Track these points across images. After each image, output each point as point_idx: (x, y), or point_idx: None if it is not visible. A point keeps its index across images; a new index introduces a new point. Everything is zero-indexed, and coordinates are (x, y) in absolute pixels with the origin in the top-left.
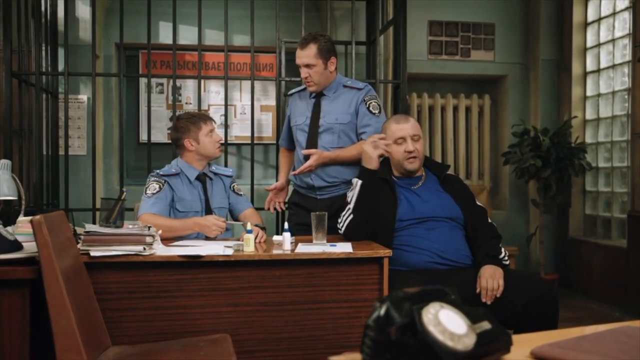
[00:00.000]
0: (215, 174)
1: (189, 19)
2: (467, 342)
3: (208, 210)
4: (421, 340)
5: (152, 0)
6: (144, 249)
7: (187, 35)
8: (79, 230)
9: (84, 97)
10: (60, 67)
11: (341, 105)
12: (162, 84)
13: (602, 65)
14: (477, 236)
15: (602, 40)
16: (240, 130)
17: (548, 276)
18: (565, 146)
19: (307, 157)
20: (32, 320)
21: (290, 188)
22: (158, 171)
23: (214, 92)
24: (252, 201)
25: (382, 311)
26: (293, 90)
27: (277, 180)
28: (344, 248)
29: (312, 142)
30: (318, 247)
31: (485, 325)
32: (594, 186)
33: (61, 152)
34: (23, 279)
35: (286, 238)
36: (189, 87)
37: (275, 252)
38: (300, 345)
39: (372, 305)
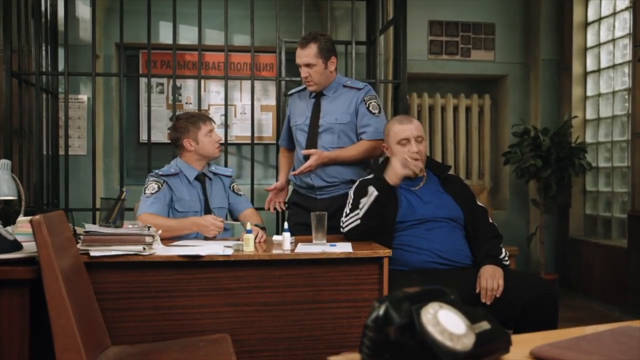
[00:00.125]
0: (214, 174)
1: (189, 18)
2: (466, 342)
3: (207, 211)
4: (420, 340)
5: (152, 0)
6: (144, 248)
7: (187, 35)
8: (79, 230)
9: (84, 97)
10: (61, 67)
11: (341, 105)
12: (162, 84)
13: (603, 65)
14: (478, 236)
15: (602, 40)
16: (240, 130)
17: (548, 276)
18: (566, 146)
19: (306, 157)
20: (31, 320)
21: (290, 188)
22: (157, 171)
23: (214, 92)
24: (252, 201)
25: (381, 311)
26: (293, 90)
27: (277, 180)
28: (344, 248)
29: (312, 142)
30: (318, 247)
31: (485, 325)
32: (594, 186)
33: (61, 152)
34: (23, 279)
35: (286, 238)
36: (189, 87)
37: (275, 252)
38: (300, 345)
39: (372, 305)
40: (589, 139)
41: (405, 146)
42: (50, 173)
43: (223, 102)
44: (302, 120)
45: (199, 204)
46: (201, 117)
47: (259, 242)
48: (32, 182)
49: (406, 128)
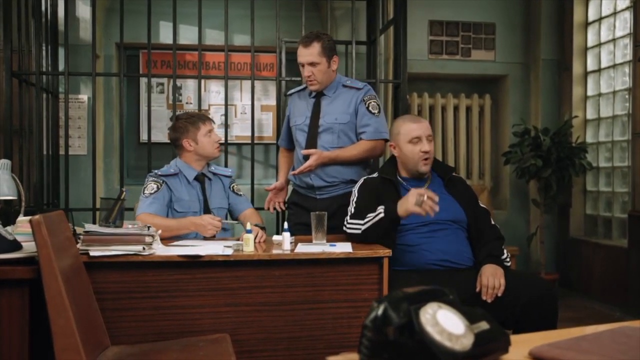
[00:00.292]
0: (214, 174)
1: (189, 18)
2: (465, 342)
3: (206, 211)
4: (419, 340)
5: (152, 0)
6: (144, 248)
7: (188, 35)
8: (79, 230)
9: (84, 96)
10: (61, 66)
11: (341, 105)
12: (162, 84)
13: (603, 65)
14: (480, 237)
15: (602, 39)
16: (240, 130)
17: (548, 276)
18: (566, 146)
19: (306, 157)
20: (31, 320)
21: (290, 188)
22: (156, 171)
23: (214, 92)
24: (252, 201)
25: (380, 311)
26: (292, 90)
27: (276, 180)
28: (344, 248)
29: (311, 142)
30: (318, 247)
31: (484, 325)
32: (594, 186)
33: (61, 152)
34: (22, 279)
35: (286, 238)
36: (189, 87)
37: (274, 252)
38: (299, 345)
39: (371, 305)
40: (589, 138)
41: (417, 145)
42: (50, 173)
43: (223, 102)
44: (301, 120)
45: (198, 204)
46: (201, 117)
47: (259, 242)
48: (32, 182)
49: (418, 127)
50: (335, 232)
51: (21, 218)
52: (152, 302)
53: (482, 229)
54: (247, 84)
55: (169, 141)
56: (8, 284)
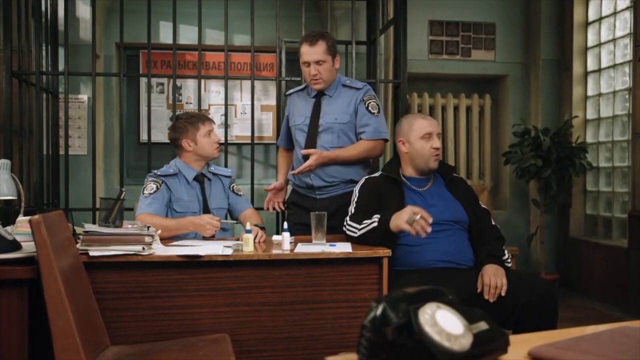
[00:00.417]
0: (214, 174)
1: (189, 18)
2: (463, 342)
3: (206, 211)
4: (417, 340)
5: (152, 0)
6: (143, 248)
7: (188, 35)
8: (78, 230)
9: (84, 96)
10: (61, 66)
11: (341, 104)
12: (162, 84)
13: (603, 65)
14: (481, 238)
15: (603, 39)
16: (240, 130)
17: (549, 276)
18: (566, 146)
19: (306, 157)
20: (30, 320)
21: (289, 188)
22: (156, 171)
23: (214, 92)
24: (252, 201)
25: (379, 311)
26: (291, 90)
27: (276, 181)
28: (344, 248)
29: (311, 142)
30: (317, 247)
31: (482, 325)
32: (594, 186)
33: (61, 151)
34: (22, 279)
35: (285, 238)
36: (189, 87)
37: (274, 252)
38: (299, 345)
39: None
40: (589, 138)
41: (429, 141)
42: (50, 173)
43: (223, 102)
44: (301, 120)
45: (197, 204)
46: (200, 117)
47: (259, 242)
48: (32, 182)
49: (429, 123)
50: (335, 232)
51: (21, 218)
52: (152, 302)
53: (482, 229)
54: (247, 84)
55: (169, 141)
56: (7, 284)
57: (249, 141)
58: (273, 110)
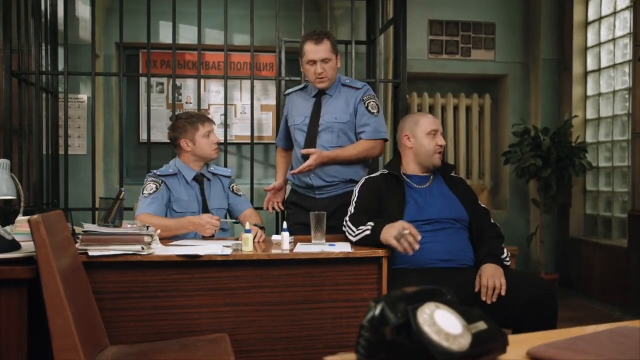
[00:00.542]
0: (214, 174)
1: (189, 18)
2: (462, 342)
3: (205, 211)
4: (416, 340)
5: (152, 0)
6: (143, 248)
7: (188, 34)
8: (78, 230)
9: (84, 96)
10: (61, 66)
11: (341, 104)
12: (162, 84)
13: (603, 65)
14: (481, 237)
15: (602, 39)
16: (240, 130)
17: (549, 276)
18: (566, 146)
19: (305, 157)
20: (30, 320)
21: (289, 188)
22: (155, 171)
23: (214, 92)
24: (252, 201)
25: (377, 311)
26: (291, 90)
27: (275, 181)
28: (343, 248)
29: (311, 142)
30: (317, 247)
31: (481, 325)
32: (594, 186)
33: (61, 151)
34: (21, 279)
35: (285, 238)
36: (189, 87)
37: (274, 252)
38: (299, 345)
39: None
40: (589, 138)
41: (434, 138)
42: (50, 173)
43: (223, 102)
44: (301, 120)
45: (197, 204)
46: (200, 118)
47: (258, 242)
48: (32, 182)
49: (435, 122)
50: (335, 232)
51: (20, 218)
52: (151, 302)
53: (482, 228)
54: (247, 83)
55: (168, 141)
56: (7, 284)
57: (249, 141)
58: (273, 110)
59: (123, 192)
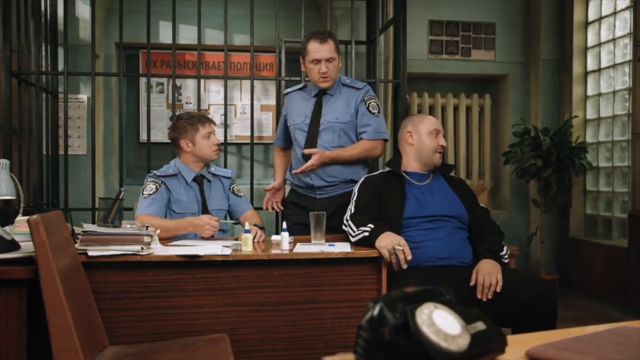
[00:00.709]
0: (214, 175)
1: (189, 18)
2: (461, 342)
3: (205, 212)
4: (414, 340)
5: (151, 0)
6: (142, 248)
7: (188, 34)
8: (77, 230)
9: (83, 96)
10: (60, 66)
11: (341, 104)
12: (162, 84)
13: (603, 65)
14: (481, 234)
15: (602, 39)
16: (240, 130)
17: (549, 276)
18: (566, 146)
19: (306, 157)
20: (29, 320)
21: (287, 187)
22: (155, 172)
23: (214, 92)
24: (251, 201)
25: (376, 311)
26: (290, 89)
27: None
28: (343, 248)
29: (311, 141)
30: (316, 246)
31: (480, 325)
32: (594, 186)
33: (61, 151)
34: (20, 279)
35: (284, 238)
36: (189, 87)
37: (273, 251)
38: (298, 345)
39: (367, 305)
40: (589, 138)
41: (436, 137)
42: (49, 173)
43: (223, 102)
44: (301, 119)
45: (196, 205)
46: (201, 118)
47: (258, 241)
48: (32, 181)
49: (438, 122)
50: (335, 232)
51: (20, 218)
52: (151, 302)
53: (482, 225)
54: (246, 83)
55: (168, 141)
56: (6, 284)
57: (249, 141)
58: (273, 110)
59: (122, 192)
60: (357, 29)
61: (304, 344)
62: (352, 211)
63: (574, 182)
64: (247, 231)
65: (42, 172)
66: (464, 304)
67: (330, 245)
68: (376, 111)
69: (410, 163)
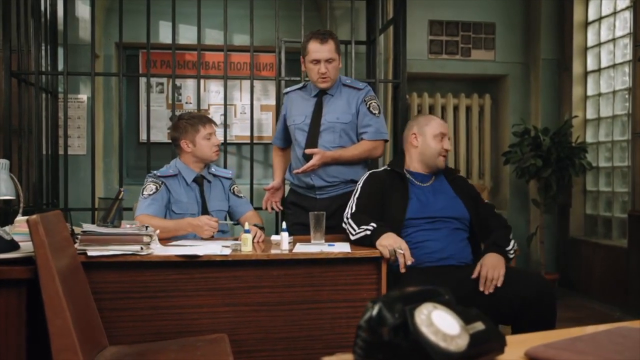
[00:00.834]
0: (214, 175)
1: (189, 18)
2: (460, 342)
3: (205, 213)
4: (413, 341)
5: (151, 0)
6: (141, 248)
7: (188, 34)
8: (77, 229)
9: (83, 96)
10: (60, 66)
11: (342, 104)
12: (162, 84)
13: (603, 65)
14: (487, 230)
15: (602, 39)
16: (240, 130)
17: (549, 276)
18: (566, 146)
19: (306, 157)
20: (28, 320)
21: (287, 187)
22: (155, 172)
23: (214, 92)
24: (251, 201)
25: (375, 311)
26: (290, 89)
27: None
28: (342, 248)
29: (312, 141)
30: (316, 246)
31: (479, 325)
32: (594, 186)
33: (61, 151)
34: (19, 279)
35: (284, 238)
36: (189, 87)
37: (273, 251)
38: (298, 345)
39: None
40: (589, 138)
41: (441, 141)
42: (49, 173)
43: (223, 102)
44: (301, 119)
45: (196, 206)
46: (202, 119)
47: (257, 241)
48: (32, 181)
49: (443, 125)
50: (334, 231)
51: (19, 218)
52: (150, 302)
53: (488, 221)
54: (246, 83)
55: (168, 141)
56: (5, 284)
57: (249, 141)
58: (273, 110)
59: (122, 192)
60: (357, 29)
61: (304, 344)
62: (353, 210)
63: (574, 182)
64: (247, 231)
65: (41, 172)
66: (464, 304)
67: (329, 245)
68: (377, 112)
69: (414, 164)
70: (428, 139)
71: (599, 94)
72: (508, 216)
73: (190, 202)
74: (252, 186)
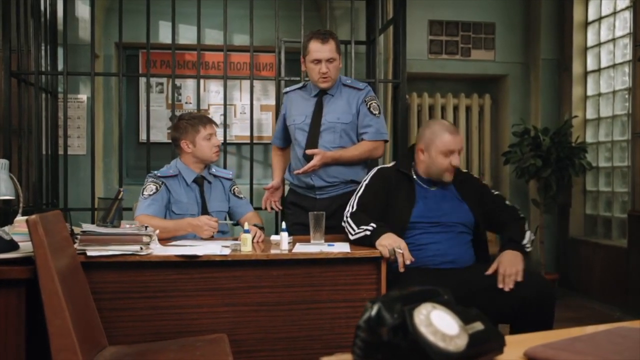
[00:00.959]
0: (215, 176)
1: (188, 18)
2: (459, 343)
3: (205, 214)
4: (412, 341)
5: (151, 0)
6: (141, 248)
7: (187, 34)
8: (76, 229)
9: (83, 96)
10: (60, 66)
11: (343, 104)
12: (162, 84)
13: (603, 65)
14: (501, 223)
15: (602, 39)
16: (240, 130)
17: (548, 276)
18: (566, 146)
19: (306, 157)
20: (28, 320)
21: (286, 187)
22: (156, 172)
23: (213, 92)
24: (251, 201)
25: (374, 312)
26: (289, 89)
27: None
28: (342, 248)
29: (312, 141)
30: (316, 246)
31: (478, 326)
32: (594, 186)
33: (60, 151)
34: (19, 279)
35: (284, 238)
36: (188, 87)
37: (272, 251)
38: (297, 345)
39: (365, 305)
40: (589, 138)
41: (449, 157)
42: (49, 173)
43: (222, 102)
44: (301, 119)
45: (196, 206)
46: (202, 119)
47: (257, 242)
48: (31, 181)
49: (454, 141)
50: (334, 232)
51: (19, 218)
52: (150, 302)
53: (500, 215)
54: (246, 83)
55: (168, 141)
56: (5, 284)
57: (249, 141)
58: (272, 110)
59: (122, 192)
60: (357, 29)
61: (303, 344)
62: (354, 208)
63: (574, 182)
64: (247, 231)
65: (41, 172)
66: (464, 304)
67: (329, 245)
68: (377, 112)
69: (421, 170)
70: (435, 157)
71: (599, 94)
72: None
73: (190, 203)
74: (251, 186)
